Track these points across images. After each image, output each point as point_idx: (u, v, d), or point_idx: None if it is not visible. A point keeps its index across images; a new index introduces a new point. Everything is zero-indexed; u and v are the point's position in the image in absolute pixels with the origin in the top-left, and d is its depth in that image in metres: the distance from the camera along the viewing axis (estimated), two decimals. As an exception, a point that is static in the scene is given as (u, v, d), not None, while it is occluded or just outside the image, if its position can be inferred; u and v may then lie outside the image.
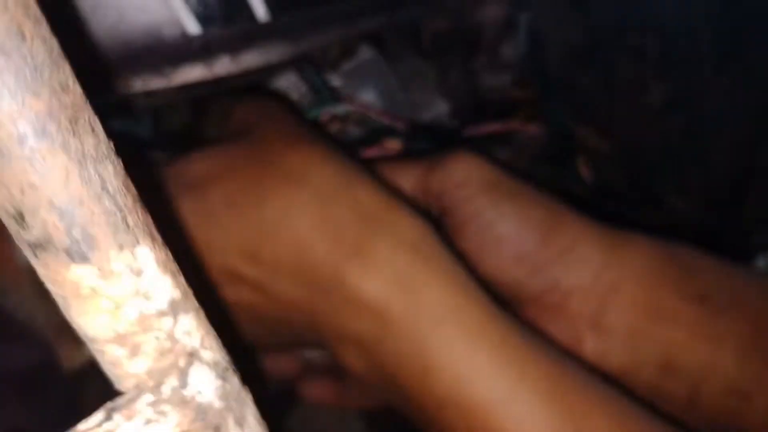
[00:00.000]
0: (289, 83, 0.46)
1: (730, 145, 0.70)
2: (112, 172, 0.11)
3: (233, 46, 0.33)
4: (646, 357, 0.31)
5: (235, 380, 0.13)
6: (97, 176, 0.10)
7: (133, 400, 0.11)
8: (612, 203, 0.54)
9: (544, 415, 0.25)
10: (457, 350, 0.26)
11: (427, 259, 0.27)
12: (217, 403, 0.12)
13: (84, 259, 0.11)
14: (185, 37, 0.30)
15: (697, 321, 0.31)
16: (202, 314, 0.12)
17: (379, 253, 0.27)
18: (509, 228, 0.32)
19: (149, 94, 0.32)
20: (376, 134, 0.45)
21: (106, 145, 0.11)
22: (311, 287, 0.27)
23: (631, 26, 0.63)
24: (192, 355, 0.12)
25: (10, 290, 0.38)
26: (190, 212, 0.28)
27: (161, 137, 0.40)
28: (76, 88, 0.11)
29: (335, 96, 0.44)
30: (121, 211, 0.11)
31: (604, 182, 0.48)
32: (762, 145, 0.72)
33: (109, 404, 0.11)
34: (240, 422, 0.12)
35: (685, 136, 0.68)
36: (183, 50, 0.31)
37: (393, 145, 0.44)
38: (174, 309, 0.12)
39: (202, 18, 0.30)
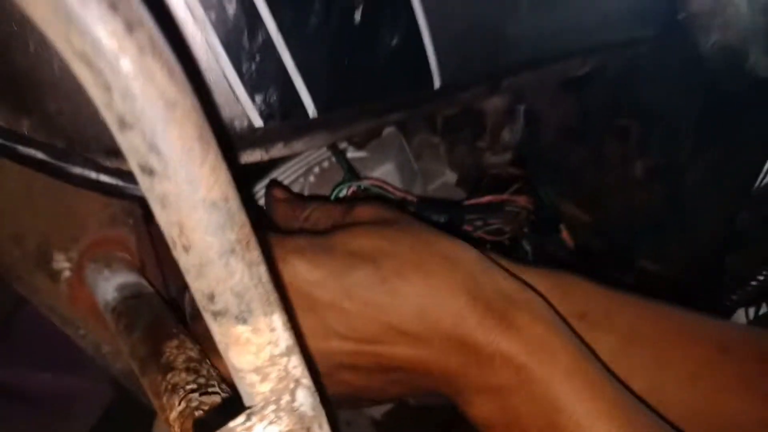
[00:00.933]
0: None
1: (710, 212, 0.77)
2: (263, 268, 0.17)
3: (286, 136, 0.40)
4: None
5: (318, 399, 0.20)
6: (256, 272, 0.17)
7: (263, 408, 0.18)
8: (588, 265, 0.61)
9: None
10: (583, 398, 0.33)
11: (557, 329, 0.35)
12: (310, 413, 0.18)
13: (245, 322, 0.17)
14: (251, 129, 0.38)
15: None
16: (303, 355, 0.19)
17: (522, 324, 0.35)
18: None
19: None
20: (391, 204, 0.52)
21: (259, 252, 0.18)
22: (461, 350, 0.35)
23: (618, 109, 0.71)
24: (297, 382, 0.18)
25: (82, 325, 0.44)
26: (364, 277, 0.35)
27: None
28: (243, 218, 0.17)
29: (357, 174, 0.51)
30: (267, 292, 0.17)
31: (584, 248, 0.55)
32: (740, 212, 0.80)
33: (248, 410, 0.18)
34: (321, 426, 0.18)
35: (666, 205, 0.75)
36: (248, 139, 0.38)
37: (406, 214, 0.51)
38: (289, 352, 0.18)
39: (265, 115, 0.37)
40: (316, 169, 0.54)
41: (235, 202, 0.16)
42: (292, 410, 0.18)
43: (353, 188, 0.49)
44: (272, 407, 0.18)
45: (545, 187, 0.55)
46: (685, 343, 0.41)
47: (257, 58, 0.36)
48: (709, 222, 0.78)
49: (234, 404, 0.20)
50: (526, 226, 0.53)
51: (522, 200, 0.52)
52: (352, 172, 0.50)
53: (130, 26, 0.15)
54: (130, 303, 0.37)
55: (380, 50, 0.40)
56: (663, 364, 0.40)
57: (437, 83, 0.43)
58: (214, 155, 0.16)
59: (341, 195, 0.49)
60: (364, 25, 0.38)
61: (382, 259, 0.36)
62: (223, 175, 0.17)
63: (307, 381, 0.19)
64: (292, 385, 0.18)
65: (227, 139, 0.38)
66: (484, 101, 0.53)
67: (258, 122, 0.37)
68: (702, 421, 0.39)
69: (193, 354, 0.32)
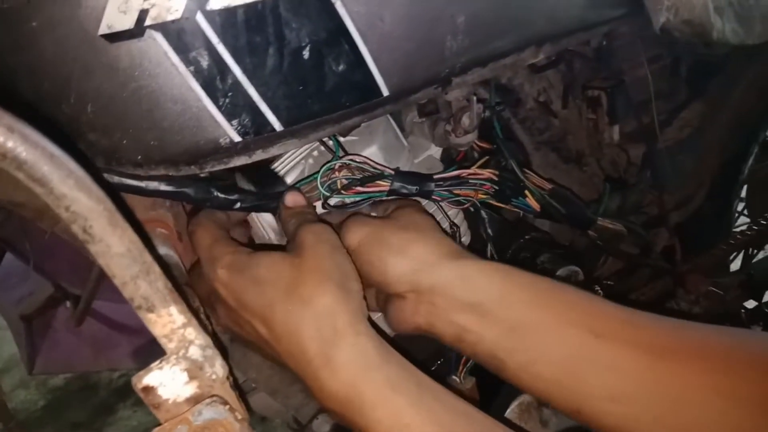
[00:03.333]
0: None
1: (685, 168, 0.84)
2: (161, 282, 0.31)
3: (263, 145, 0.53)
4: None
5: (209, 351, 0.33)
6: (155, 285, 0.30)
7: (168, 357, 0.32)
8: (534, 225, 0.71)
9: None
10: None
11: (368, 365, 0.47)
12: (200, 359, 0.32)
13: (151, 311, 0.31)
14: (233, 143, 0.51)
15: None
16: (200, 326, 0.32)
17: (340, 359, 0.47)
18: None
19: (213, 173, 0.54)
20: (372, 177, 0.63)
21: (157, 274, 0.31)
22: (296, 363, 0.49)
23: (591, 81, 0.78)
24: (191, 342, 0.32)
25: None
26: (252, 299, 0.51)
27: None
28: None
29: (345, 150, 0.62)
30: (164, 294, 0.30)
31: (546, 212, 0.64)
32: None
33: (161, 359, 0.32)
34: (212, 366, 0.32)
35: (642, 164, 0.82)
36: (232, 150, 0.51)
37: (383, 184, 0.62)
38: (183, 326, 0.32)
39: (242, 132, 0.50)
40: (315, 153, 0.66)
41: (136, 248, 0.30)
42: (186, 358, 0.32)
43: (339, 164, 0.60)
44: (174, 356, 0.32)
45: (512, 159, 0.64)
46: (563, 328, 0.48)
47: (229, 94, 0.48)
48: (684, 177, 0.84)
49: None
50: (488, 196, 0.64)
51: (486, 173, 0.62)
52: (342, 150, 0.62)
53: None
54: (168, 272, 0.52)
55: (329, 75, 0.51)
56: (539, 345, 0.49)
57: (385, 92, 0.55)
58: (125, 228, 0.30)
59: (332, 168, 0.61)
60: (312, 59, 0.50)
61: (273, 281, 0.50)
62: (128, 234, 0.30)
63: (199, 341, 0.32)
64: (186, 344, 0.32)
65: (218, 151, 0.51)
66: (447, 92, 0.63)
67: (237, 138, 0.51)
68: (566, 393, 0.48)
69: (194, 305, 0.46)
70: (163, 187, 0.52)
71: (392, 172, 0.63)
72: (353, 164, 0.62)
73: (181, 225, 0.63)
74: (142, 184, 0.52)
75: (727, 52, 0.77)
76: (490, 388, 0.65)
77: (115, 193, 0.44)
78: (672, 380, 0.45)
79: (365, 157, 0.63)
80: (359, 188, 0.61)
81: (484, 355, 0.52)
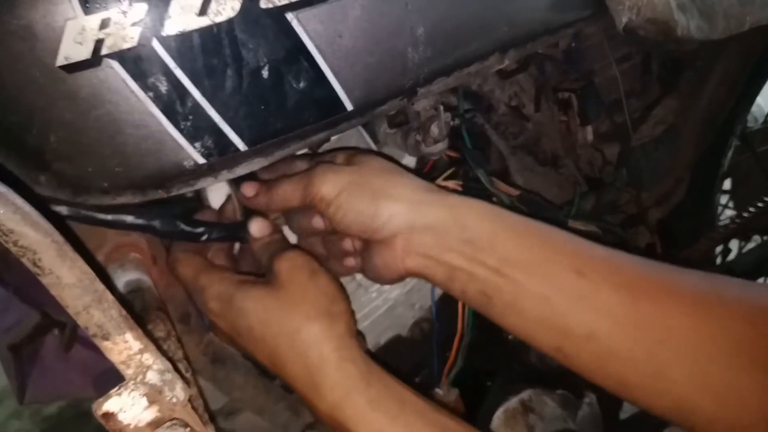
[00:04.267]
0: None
1: (660, 164, 0.84)
2: (114, 311, 0.31)
3: (228, 165, 0.53)
4: None
5: (168, 375, 0.33)
6: (108, 313, 0.30)
7: (127, 383, 0.32)
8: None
9: None
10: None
11: (356, 388, 0.49)
12: (159, 383, 0.32)
13: (107, 339, 0.31)
14: (197, 164, 0.51)
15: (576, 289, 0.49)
16: (157, 351, 0.33)
17: (326, 385, 0.49)
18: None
19: (180, 195, 0.54)
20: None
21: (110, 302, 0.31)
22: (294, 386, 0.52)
23: (561, 83, 0.78)
24: (148, 368, 0.32)
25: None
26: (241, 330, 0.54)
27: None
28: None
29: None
30: (118, 322, 0.31)
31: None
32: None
33: (119, 385, 0.32)
34: (172, 389, 0.32)
35: (618, 162, 0.83)
36: (197, 172, 0.52)
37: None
38: (140, 352, 0.32)
39: (206, 154, 0.51)
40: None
41: (86, 277, 0.30)
42: (144, 383, 0.32)
43: None
44: (132, 382, 0.32)
45: (480, 168, 0.64)
46: (548, 267, 0.50)
47: (190, 117, 0.49)
48: (661, 174, 0.85)
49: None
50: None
51: (451, 184, 0.63)
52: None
53: None
54: (129, 296, 0.52)
55: (290, 93, 0.51)
56: (525, 283, 0.50)
57: (349, 107, 0.55)
58: (74, 259, 0.30)
59: None
60: (272, 78, 0.50)
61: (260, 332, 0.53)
62: (78, 264, 0.30)
63: (157, 366, 0.32)
64: (144, 370, 0.32)
65: (184, 174, 0.51)
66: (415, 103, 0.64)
67: (201, 160, 0.51)
68: (548, 330, 0.50)
69: (161, 334, 0.46)
70: (130, 220, 0.53)
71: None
72: None
73: (155, 248, 0.63)
74: (109, 217, 0.53)
75: (695, 48, 0.78)
76: (474, 399, 0.65)
77: (64, 226, 0.44)
78: (649, 320, 0.46)
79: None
80: None
81: (473, 293, 0.53)
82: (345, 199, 0.54)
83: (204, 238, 0.57)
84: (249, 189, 0.60)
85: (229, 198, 0.63)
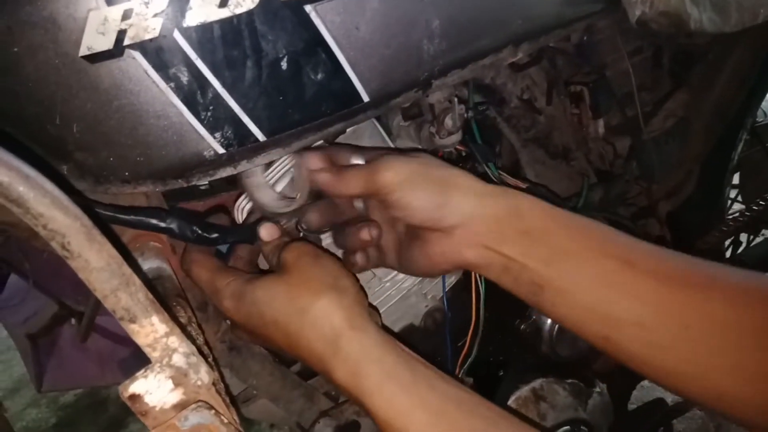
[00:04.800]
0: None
1: (672, 157, 0.84)
2: (141, 294, 0.32)
3: (247, 155, 0.54)
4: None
5: (193, 358, 0.34)
6: (135, 296, 0.31)
7: (152, 366, 0.33)
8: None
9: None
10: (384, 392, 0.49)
11: (370, 352, 0.50)
12: (185, 366, 0.33)
13: (133, 322, 0.32)
14: (217, 154, 0.52)
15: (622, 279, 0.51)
16: (183, 334, 0.33)
17: (341, 355, 0.50)
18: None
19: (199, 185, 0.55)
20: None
21: (136, 286, 0.32)
22: (311, 362, 0.52)
23: (574, 77, 0.79)
24: (174, 350, 0.33)
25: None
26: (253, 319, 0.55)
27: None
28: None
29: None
30: (144, 305, 0.32)
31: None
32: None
33: (146, 367, 0.33)
34: (197, 372, 0.33)
35: (629, 155, 0.83)
36: (217, 162, 0.53)
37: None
38: (166, 335, 0.33)
39: (225, 144, 0.52)
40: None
41: (114, 261, 0.31)
42: (170, 366, 0.33)
43: None
44: (158, 365, 0.33)
45: (484, 162, 0.65)
46: (599, 258, 0.52)
47: (211, 108, 0.50)
48: (672, 167, 0.85)
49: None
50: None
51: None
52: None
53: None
54: (150, 284, 0.53)
55: (308, 84, 0.52)
56: (575, 273, 0.52)
57: (366, 98, 0.56)
58: (102, 243, 0.31)
59: None
60: (290, 69, 0.51)
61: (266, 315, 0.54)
62: (106, 248, 0.31)
63: (182, 349, 0.33)
64: (170, 353, 0.33)
65: (204, 164, 0.52)
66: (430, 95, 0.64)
67: (221, 150, 0.52)
68: (597, 319, 0.51)
69: (183, 320, 0.47)
70: (149, 222, 0.54)
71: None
72: None
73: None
74: (130, 217, 0.54)
75: (708, 41, 0.78)
76: (487, 389, 0.65)
77: (92, 212, 0.45)
78: (684, 308, 0.48)
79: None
80: None
81: (525, 283, 0.54)
82: (410, 187, 0.56)
83: (218, 242, 0.59)
84: (315, 161, 0.61)
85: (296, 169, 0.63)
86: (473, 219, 0.55)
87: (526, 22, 0.63)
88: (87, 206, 0.32)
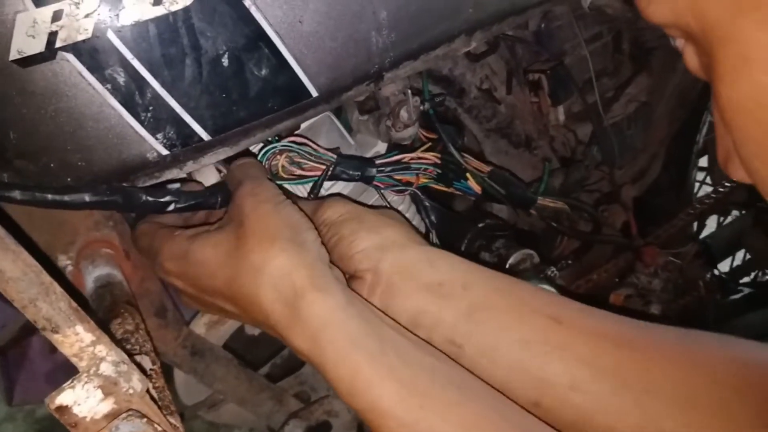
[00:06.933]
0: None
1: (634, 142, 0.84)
2: (63, 303, 0.30)
3: (193, 156, 0.53)
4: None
5: (123, 366, 0.33)
6: (57, 305, 0.30)
7: (80, 376, 0.32)
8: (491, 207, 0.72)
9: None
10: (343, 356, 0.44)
11: (333, 313, 0.45)
12: (114, 375, 0.32)
13: (57, 332, 0.31)
14: (161, 156, 0.51)
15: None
16: (111, 342, 0.32)
17: (301, 318, 0.45)
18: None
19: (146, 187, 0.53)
20: (313, 160, 0.61)
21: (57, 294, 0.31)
22: (267, 326, 0.48)
23: (531, 64, 0.78)
24: (102, 359, 0.32)
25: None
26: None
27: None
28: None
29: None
30: (67, 314, 0.31)
31: (488, 193, 0.65)
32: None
33: (73, 378, 0.32)
34: (128, 380, 0.32)
35: (590, 141, 0.83)
36: (161, 163, 0.51)
37: (322, 168, 0.61)
38: (93, 344, 0.32)
39: (168, 145, 0.50)
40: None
41: (32, 270, 0.30)
42: (99, 375, 0.32)
43: (280, 147, 0.59)
44: (85, 374, 0.32)
45: (450, 143, 0.64)
46: (525, 314, 0.49)
47: (150, 108, 0.48)
48: (636, 152, 0.85)
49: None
50: (431, 180, 0.64)
51: (430, 157, 0.63)
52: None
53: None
54: (99, 291, 0.52)
55: (252, 80, 0.51)
56: (500, 329, 0.48)
57: (314, 93, 0.55)
58: (18, 251, 0.30)
59: (274, 152, 0.59)
60: (232, 66, 0.50)
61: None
62: (23, 257, 0.30)
63: (111, 357, 0.32)
64: (98, 362, 0.32)
65: (147, 166, 0.51)
66: (383, 88, 0.64)
67: (164, 151, 0.50)
68: (526, 381, 0.47)
69: (130, 327, 0.46)
70: (89, 198, 0.49)
71: (334, 157, 0.62)
72: (294, 147, 0.61)
73: (128, 243, 0.63)
74: (66, 198, 0.50)
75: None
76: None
77: (7, 218, 0.44)
78: (634, 370, 0.45)
79: (307, 139, 0.62)
80: (298, 171, 0.60)
81: (441, 341, 0.50)
82: (339, 224, 0.54)
83: (171, 207, 0.53)
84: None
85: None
86: (381, 265, 0.51)
87: (477, 11, 0.62)
88: (2, 215, 0.31)
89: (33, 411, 2.02)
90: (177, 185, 0.56)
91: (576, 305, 0.50)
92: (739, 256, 1.23)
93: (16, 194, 0.49)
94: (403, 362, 0.44)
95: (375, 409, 0.42)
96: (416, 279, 0.51)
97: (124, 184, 0.52)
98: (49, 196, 0.49)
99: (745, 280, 1.20)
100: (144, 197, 0.51)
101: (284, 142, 0.61)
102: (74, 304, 0.31)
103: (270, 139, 0.60)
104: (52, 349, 1.05)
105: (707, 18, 0.29)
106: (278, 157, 0.60)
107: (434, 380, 0.44)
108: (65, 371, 1.01)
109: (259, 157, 0.60)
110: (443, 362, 0.46)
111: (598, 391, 0.46)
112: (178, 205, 0.53)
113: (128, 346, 0.44)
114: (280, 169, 0.60)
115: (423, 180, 0.64)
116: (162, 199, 0.52)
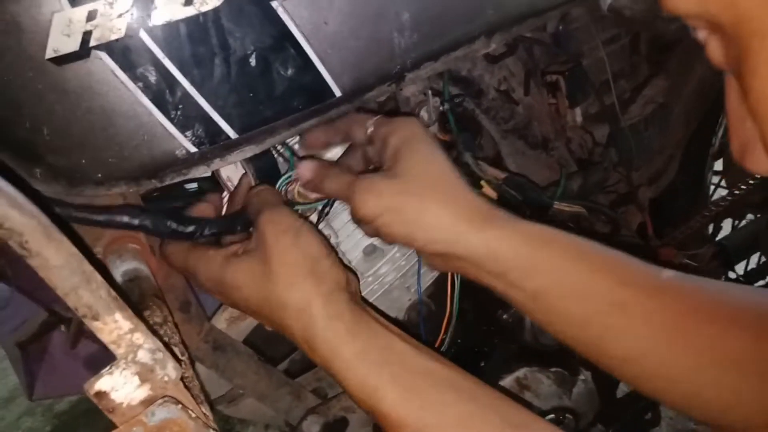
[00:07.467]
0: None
1: (651, 143, 0.84)
2: (103, 290, 0.32)
3: (220, 154, 0.54)
4: None
5: (159, 354, 0.34)
6: (97, 293, 0.31)
7: (118, 362, 0.33)
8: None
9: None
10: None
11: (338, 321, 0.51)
12: (150, 362, 0.33)
13: (96, 319, 0.32)
14: (189, 153, 0.52)
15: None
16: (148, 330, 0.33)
17: (316, 342, 0.51)
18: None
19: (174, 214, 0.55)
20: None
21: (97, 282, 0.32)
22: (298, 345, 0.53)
23: (550, 66, 0.79)
24: (139, 347, 0.33)
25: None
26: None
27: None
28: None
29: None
30: (107, 302, 0.32)
31: (504, 199, 0.65)
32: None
33: (111, 364, 0.33)
34: (163, 367, 0.33)
35: (607, 142, 0.83)
36: (189, 161, 0.53)
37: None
38: (131, 331, 0.33)
39: (197, 143, 0.52)
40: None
41: (74, 259, 0.31)
42: (136, 362, 0.33)
43: (293, 177, 0.62)
44: (123, 361, 0.33)
45: (468, 151, 0.65)
46: (582, 299, 0.52)
47: (180, 107, 0.50)
48: (652, 153, 0.85)
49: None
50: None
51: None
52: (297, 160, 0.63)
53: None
54: (126, 285, 0.53)
55: (278, 80, 0.52)
56: (559, 314, 0.53)
57: (338, 93, 0.56)
58: (61, 240, 0.31)
59: (286, 182, 0.62)
60: (259, 66, 0.51)
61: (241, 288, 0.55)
62: (65, 246, 0.31)
63: (147, 345, 0.34)
64: (135, 349, 0.33)
65: (177, 163, 0.52)
66: (404, 89, 0.65)
67: (193, 149, 0.52)
68: (588, 351, 0.52)
69: (158, 320, 0.48)
70: (122, 220, 0.54)
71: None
72: None
73: (154, 238, 0.64)
74: (101, 218, 0.53)
75: (684, 26, 0.78)
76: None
77: (50, 209, 0.45)
78: (685, 347, 0.49)
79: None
80: (313, 195, 0.62)
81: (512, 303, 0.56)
82: (384, 223, 0.55)
83: (197, 236, 0.58)
84: (307, 171, 0.61)
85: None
86: (446, 256, 0.55)
87: (497, 13, 0.63)
88: (45, 206, 0.32)
89: (51, 406, 2.04)
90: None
91: (638, 279, 0.52)
92: (754, 259, 1.23)
93: (56, 209, 0.51)
94: (404, 369, 0.49)
95: (380, 412, 0.48)
96: (480, 269, 0.55)
97: (155, 211, 0.56)
98: (87, 215, 0.52)
99: (761, 283, 1.20)
100: (171, 225, 0.56)
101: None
102: (113, 293, 0.32)
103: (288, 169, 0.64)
104: (72, 344, 1.07)
105: (739, 10, 0.28)
106: (294, 183, 0.63)
107: (432, 383, 0.49)
108: (85, 366, 1.03)
109: (277, 186, 0.62)
110: (442, 365, 0.50)
111: (649, 364, 0.50)
112: (203, 234, 0.58)
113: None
114: (296, 195, 0.62)
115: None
116: (187, 229, 0.57)
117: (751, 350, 0.46)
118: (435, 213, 0.54)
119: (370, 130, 0.59)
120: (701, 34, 0.32)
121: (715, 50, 0.32)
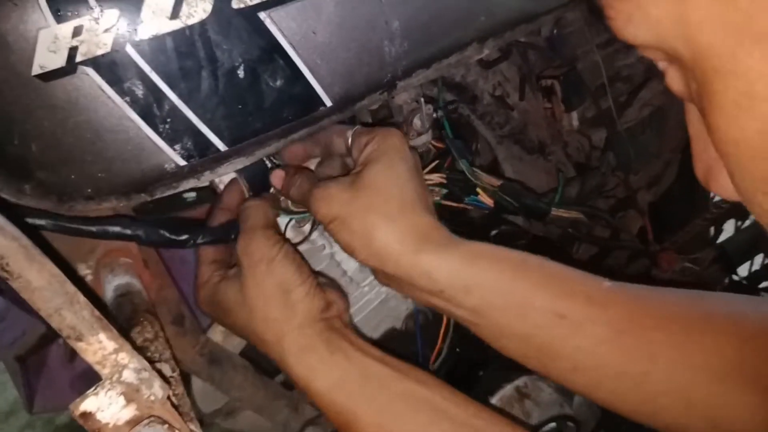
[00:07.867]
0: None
1: (648, 147, 0.84)
2: (86, 311, 0.31)
3: (210, 166, 0.54)
4: None
5: (144, 374, 0.34)
6: (80, 314, 0.31)
7: (103, 383, 0.32)
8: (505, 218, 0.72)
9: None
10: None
11: (324, 349, 0.54)
12: (136, 382, 0.33)
13: (80, 340, 0.31)
14: (179, 167, 0.52)
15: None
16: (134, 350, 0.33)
17: (293, 374, 0.54)
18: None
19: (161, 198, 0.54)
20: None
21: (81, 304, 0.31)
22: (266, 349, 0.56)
23: (544, 71, 0.78)
24: (124, 366, 0.33)
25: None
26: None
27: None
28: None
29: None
30: (90, 323, 0.31)
31: (500, 206, 0.65)
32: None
33: (96, 385, 0.32)
34: (149, 387, 0.33)
35: (605, 147, 0.82)
36: (179, 174, 0.52)
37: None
38: (115, 351, 0.33)
39: (186, 156, 0.51)
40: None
41: (56, 280, 0.30)
42: (121, 382, 0.33)
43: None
44: (108, 381, 0.32)
45: (462, 158, 0.64)
46: (527, 312, 0.52)
47: (168, 120, 0.49)
48: (650, 157, 0.84)
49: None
50: (440, 197, 0.64)
51: (435, 177, 0.63)
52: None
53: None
54: (118, 300, 0.53)
55: (267, 91, 0.52)
56: (504, 327, 0.53)
57: (328, 102, 0.55)
58: (43, 262, 0.30)
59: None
60: (248, 78, 0.50)
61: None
62: (47, 267, 0.30)
63: (133, 365, 0.33)
64: (120, 369, 0.33)
65: (165, 176, 0.52)
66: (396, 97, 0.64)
67: (182, 162, 0.51)
68: (536, 365, 0.54)
69: (149, 335, 0.47)
70: (114, 230, 0.54)
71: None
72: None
73: (147, 252, 0.64)
74: (93, 228, 0.53)
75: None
76: (467, 390, 0.65)
77: (32, 230, 0.45)
78: (634, 354, 0.49)
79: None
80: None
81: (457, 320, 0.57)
82: (333, 230, 0.55)
83: (190, 244, 0.58)
84: (277, 180, 0.61)
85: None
86: (385, 272, 0.55)
87: (489, 19, 0.63)
88: (28, 227, 0.32)
89: (52, 419, 2.04)
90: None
91: (583, 289, 0.52)
92: (758, 260, 1.21)
93: (46, 222, 0.51)
94: (382, 392, 0.51)
95: None
96: (418, 288, 0.55)
97: (148, 220, 0.56)
98: (78, 226, 0.52)
99: (765, 284, 1.19)
100: (165, 234, 0.56)
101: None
102: (97, 313, 0.32)
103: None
104: (71, 357, 1.06)
105: (700, 46, 0.25)
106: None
107: (409, 404, 0.51)
108: (84, 380, 1.02)
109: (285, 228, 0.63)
110: (422, 385, 0.52)
111: (599, 375, 0.51)
112: (197, 242, 0.58)
113: (148, 354, 0.44)
114: (290, 204, 0.62)
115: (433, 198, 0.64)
116: (180, 237, 0.57)
117: (699, 354, 0.47)
118: (374, 228, 0.53)
119: (350, 140, 0.59)
120: (661, 65, 0.30)
121: (674, 80, 0.29)
